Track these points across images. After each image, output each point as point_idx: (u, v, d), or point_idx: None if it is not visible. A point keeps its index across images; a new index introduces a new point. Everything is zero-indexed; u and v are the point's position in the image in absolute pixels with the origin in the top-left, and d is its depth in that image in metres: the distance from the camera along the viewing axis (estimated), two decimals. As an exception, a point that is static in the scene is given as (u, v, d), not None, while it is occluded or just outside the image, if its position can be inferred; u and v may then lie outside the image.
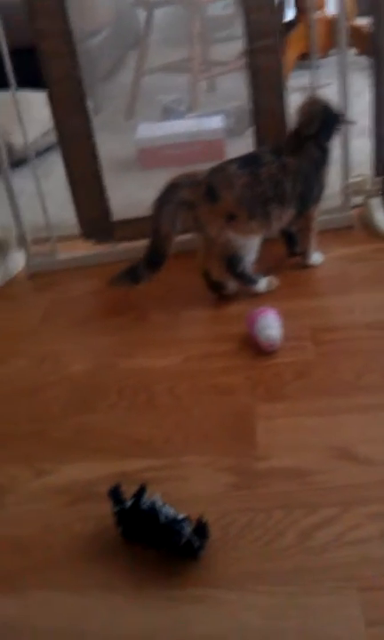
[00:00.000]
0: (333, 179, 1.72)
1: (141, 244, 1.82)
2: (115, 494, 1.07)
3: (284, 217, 1.59)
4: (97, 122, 3.04)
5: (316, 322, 1.49)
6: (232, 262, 1.56)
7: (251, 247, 1.57)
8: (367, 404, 1.24)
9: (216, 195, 1.50)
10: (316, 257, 1.69)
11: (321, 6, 2.98)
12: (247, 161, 1.55)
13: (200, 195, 1.52)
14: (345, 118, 1.63)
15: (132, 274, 1.60)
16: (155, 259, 1.57)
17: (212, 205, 1.51)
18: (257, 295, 1.59)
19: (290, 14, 3.16)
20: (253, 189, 1.52)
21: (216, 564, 1.00)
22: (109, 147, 2.51)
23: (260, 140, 1.78)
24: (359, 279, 1.62)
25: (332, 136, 1.61)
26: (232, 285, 1.62)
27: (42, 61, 1.70)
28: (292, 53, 2.95)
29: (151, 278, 1.59)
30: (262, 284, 1.61)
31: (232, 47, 3.02)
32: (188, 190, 1.53)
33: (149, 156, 2.47)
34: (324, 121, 1.59)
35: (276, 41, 1.69)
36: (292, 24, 3.02)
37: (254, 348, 1.43)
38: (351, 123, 1.67)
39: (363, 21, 2.49)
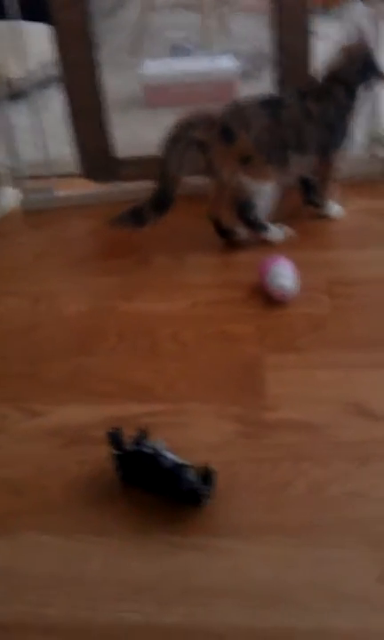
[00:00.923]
0: (360, 130, 1.68)
1: (145, 184, 1.77)
2: (115, 437, 1.04)
3: (302, 164, 1.55)
4: (99, 56, 2.98)
5: (332, 274, 1.46)
6: (244, 208, 1.52)
7: (265, 194, 1.52)
8: (377, 359, 1.22)
9: (232, 135, 1.45)
10: (336, 209, 1.65)
11: None
12: (268, 102, 1.50)
13: (214, 135, 1.46)
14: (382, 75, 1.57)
15: (137, 215, 1.55)
16: (161, 200, 1.53)
17: (226, 146, 1.46)
18: (270, 244, 1.56)
19: None
20: (272, 133, 1.47)
21: (220, 513, 0.99)
22: (112, 83, 2.44)
23: (280, 82, 1.72)
24: (379, 233, 1.58)
25: (364, 86, 1.55)
26: (243, 232, 1.58)
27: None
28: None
29: (156, 221, 1.55)
30: (275, 232, 1.57)
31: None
32: (202, 129, 1.48)
33: (156, 94, 2.40)
34: (363, 67, 1.53)
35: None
36: None
37: (265, 297, 1.39)
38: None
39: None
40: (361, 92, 1.56)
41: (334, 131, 1.55)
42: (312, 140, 1.52)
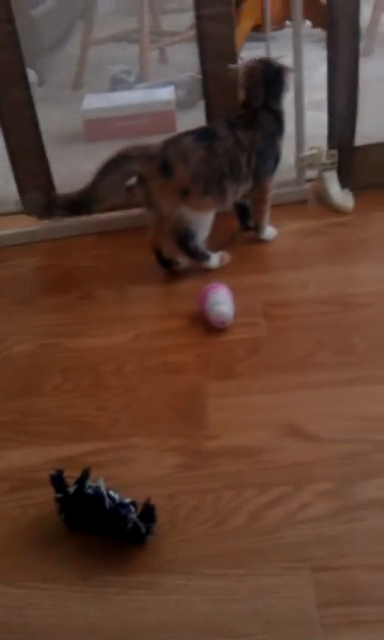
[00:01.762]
0: (288, 152, 1.70)
1: (86, 219, 1.77)
2: (57, 480, 1.03)
3: (239, 191, 1.57)
4: (42, 93, 2.99)
5: (268, 297, 1.47)
6: (184, 238, 1.52)
7: (204, 223, 1.53)
8: (318, 380, 1.22)
9: (171, 169, 1.45)
10: (270, 231, 1.67)
11: (275, -25, 2.93)
12: (203, 134, 1.51)
13: (153, 169, 1.46)
14: (286, 69, 1.58)
15: (48, 207, 1.58)
16: (77, 208, 1.54)
17: (165, 180, 1.46)
18: (209, 271, 1.56)
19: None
20: (209, 164, 1.48)
21: (164, 549, 0.98)
22: (55, 118, 2.44)
23: (211, 111, 1.74)
24: (313, 254, 1.60)
25: (282, 94, 1.57)
26: (184, 261, 1.59)
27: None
28: (245, 24, 2.90)
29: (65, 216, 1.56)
30: (214, 260, 1.58)
31: (183, 18, 2.96)
32: (140, 163, 1.48)
33: (96, 128, 2.41)
34: (266, 84, 1.55)
35: (228, 8, 1.64)
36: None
37: (205, 325, 1.40)
38: (292, 71, 1.61)
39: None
40: (282, 110, 1.58)
41: (265, 157, 1.57)
42: (246, 167, 1.54)
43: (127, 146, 1.50)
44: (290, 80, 1.60)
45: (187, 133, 1.51)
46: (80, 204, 1.52)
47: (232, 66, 1.59)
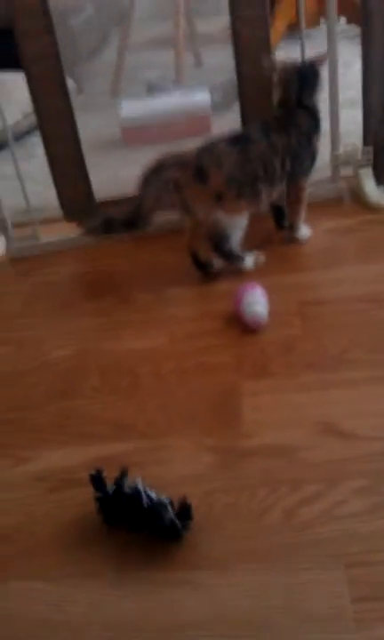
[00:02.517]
0: (323, 150, 1.70)
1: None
2: (96, 480, 1.07)
3: (273, 194, 1.58)
4: (81, 100, 3.06)
5: (303, 296, 1.48)
6: (220, 241, 1.55)
7: (238, 225, 1.55)
8: (353, 378, 1.23)
9: (205, 175, 1.48)
10: (304, 231, 1.67)
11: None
12: (235, 139, 1.53)
13: (188, 176, 1.49)
14: (319, 61, 1.59)
15: (107, 226, 1.59)
16: (133, 224, 1.56)
17: (201, 186, 1.49)
18: (244, 272, 1.58)
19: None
20: (243, 168, 1.49)
21: (200, 545, 1.00)
22: (94, 125, 2.50)
23: (246, 113, 1.76)
24: (348, 252, 1.60)
25: (317, 90, 1.58)
26: (219, 263, 1.61)
27: (18, 41, 1.67)
28: (280, 23, 2.91)
29: (124, 234, 1.60)
30: (249, 261, 1.60)
31: (218, 20, 2.99)
32: (176, 171, 1.51)
33: (134, 134, 2.45)
34: (301, 80, 1.56)
35: (262, 10, 1.65)
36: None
37: (241, 325, 1.41)
38: (323, 59, 1.60)
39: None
40: (318, 107, 1.59)
41: (301, 159, 1.57)
42: (281, 170, 1.55)
43: (162, 155, 1.53)
44: (323, 72, 1.60)
45: (220, 138, 1.53)
46: (134, 220, 1.55)
47: (267, 57, 1.60)
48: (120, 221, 1.57)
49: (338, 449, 1.10)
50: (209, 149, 1.51)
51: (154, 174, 1.52)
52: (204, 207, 1.51)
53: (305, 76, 1.56)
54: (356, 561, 0.93)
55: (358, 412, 1.16)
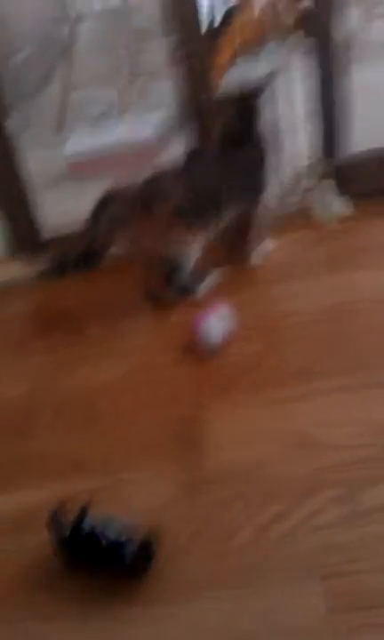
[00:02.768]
0: (284, 163, 1.70)
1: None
2: (54, 522, 1.03)
3: (225, 220, 1.57)
4: (27, 136, 3.05)
5: (264, 311, 1.47)
6: (171, 272, 1.54)
7: (189, 255, 1.55)
8: (320, 388, 1.23)
9: (151, 207, 1.48)
10: (262, 249, 1.65)
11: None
12: (180, 171, 1.54)
13: (135, 208, 1.49)
14: (260, 92, 1.58)
15: (61, 267, 1.58)
16: (86, 262, 1.55)
17: (147, 218, 1.49)
18: (202, 298, 1.56)
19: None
20: (189, 199, 1.50)
21: (167, 577, 0.97)
22: (41, 161, 2.49)
23: (191, 145, 1.76)
24: (310, 263, 1.60)
25: (258, 122, 1.58)
26: (172, 294, 1.59)
27: None
28: (226, 53, 2.96)
29: (79, 272, 1.57)
30: (202, 288, 1.58)
31: (161, 55, 3.04)
32: (122, 203, 1.51)
33: (81, 168, 2.45)
34: (241, 112, 1.56)
35: (202, 44, 1.67)
36: (228, 15, 3.02)
37: (199, 352, 1.39)
38: (272, 77, 1.61)
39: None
40: (263, 137, 1.59)
41: (250, 185, 1.58)
42: (228, 199, 1.55)
43: (108, 189, 1.53)
44: (264, 100, 1.60)
45: (165, 170, 1.54)
46: (87, 258, 1.54)
47: (205, 95, 1.61)
48: (73, 261, 1.56)
49: (308, 460, 1.09)
50: (154, 181, 1.52)
51: (101, 209, 1.52)
52: (152, 238, 1.50)
53: (245, 109, 1.57)
54: (333, 572, 0.92)
55: (326, 422, 1.15)
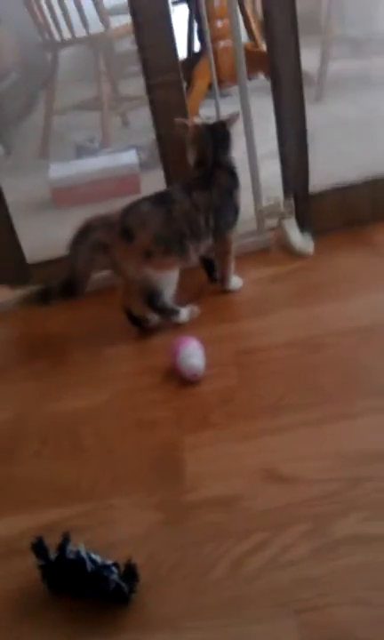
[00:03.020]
0: (247, 203, 1.78)
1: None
2: (37, 548, 1.05)
3: (201, 248, 1.64)
4: (10, 163, 3.11)
5: (237, 345, 1.52)
6: (151, 297, 1.59)
7: (169, 281, 1.60)
8: (289, 423, 1.27)
9: (131, 235, 1.53)
10: (235, 281, 1.73)
11: (225, 36, 3.10)
12: (159, 200, 1.58)
13: (115, 235, 1.54)
14: (231, 120, 1.66)
15: (44, 296, 1.61)
16: (70, 290, 1.59)
17: (127, 245, 1.53)
18: (179, 325, 1.62)
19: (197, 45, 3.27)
20: (168, 227, 1.55)
21: (148, 606, 1.00)
22: (24, 187, 2.54)
23: (169, 174, 1.83)
24: (278, 299, 1.67)
25: (230, 148, 1.66)
26: (154, 318, 1.65)
27: None
28: (201, 83, 3.05)
29: (62, 301, 1.61)
30: (183, 314, 1.64)
31: (141, 82, 3.12)
32: (102, 232, 1.55)
33: (64, 195, 2.50)
34: (215, 141, 1.63)
35: (176, 76, 1.74)
36: (200, 54, 3.13)
37: (178, 378, 1.44)
38: (235, 117, 1.68)
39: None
40: (235, 165, 1.66)
41: (224, 213, 1.64)
42: (205, 226, 1.61)
43: (88, 217, 1.57)
44: (237, 128, 1.68)
45: (144, 199, 1.59)
46: (71, 285, 1.58)
47: (178, 120, 1.67)
48: (57, 290, 1.59)
49: (280, 495, 1.12)
50: (133, 210, 1.56)
51: (82, 237, 1.55)
52: (132, 265, 1.55)
53: (218, 137, 1.64)
54: (306, 606, 0.94)
55: (297, 457, 1.19)
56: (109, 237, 1.54)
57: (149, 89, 1.75)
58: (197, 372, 1.43)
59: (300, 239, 1.84)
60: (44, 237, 2.11)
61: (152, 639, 0.95)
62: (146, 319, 1.65)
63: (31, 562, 1.05)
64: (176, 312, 1.63)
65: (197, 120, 1.70)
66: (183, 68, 1.79)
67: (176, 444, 1.28)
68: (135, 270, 1.55)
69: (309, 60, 2.58)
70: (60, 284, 1.59)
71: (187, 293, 1.68)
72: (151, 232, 1.53)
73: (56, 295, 1.60)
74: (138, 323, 1.66)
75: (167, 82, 1.75)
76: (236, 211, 1.67)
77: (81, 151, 2.88)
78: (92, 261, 1.57)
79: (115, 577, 1.00)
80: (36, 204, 2.54)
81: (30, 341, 1.74)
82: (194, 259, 1.64)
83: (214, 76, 1.90)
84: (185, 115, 1.76)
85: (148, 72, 1.74)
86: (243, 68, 1.76)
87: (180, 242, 1.57)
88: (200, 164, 1.65)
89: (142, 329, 1.65)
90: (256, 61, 2.76)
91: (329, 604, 0.94)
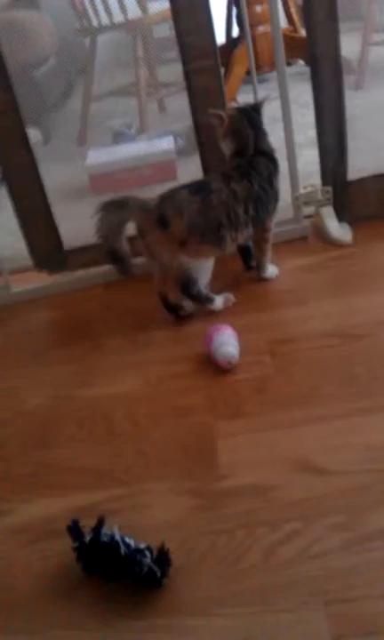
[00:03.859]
0: (284, 190, 1.76)
1: (94, 271, 1.86)
2: (73, 530, 1.07)
3: (239, 238, 1.61)
4: (48, 150, 3.12)
5: (273, 334, 1.51)
6: (186, 284, 1.58)
7: (205, 269, 1.60)
8: (324, 413, 1.25)
9: (166, 222, 1.52)
10: (272, 270, 1.72)
11: (264, 21, 3.06)
12: (197, 188, 1.56)
13: (151, 221, 1.53)
14: (263, 102, 1.64)
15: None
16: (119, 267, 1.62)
17: (162, 232, 1.52)
18: (214, 313, 1.61)
19: (236, 31, 3.23)
20: (205, 216, 1.53)
21: (180, 591, 1.00)
22: (62, 174, 2.56)
23: (206, 160, 1.82)
24: (315, 288, 1.64)
25: (266, 132, 1.63)
26: (189, 305, 1.64)
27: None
28: (239, 69, 3.02)
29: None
30: (218, 302, 1.63)
31: (179, 67, 3.09)
32: (139, 214, 1.55)
33: (101, 182, 2.51)
34: (253, 127, 1.61)
35: (215, 62, 1.72)
36: (238, 40, 3.09)
37: (213, 366, 1.44)
38: (269, 98, 1.66)
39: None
40: (273, 149, 1.64)
41: (264, 202, 1.61)
42: (244, 216, 1.58)
43: (127, 195, 1.58)
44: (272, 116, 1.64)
45: (182, 187, 1.57)
46: (118, 262, 1.62)
47: (213, 111, 1.63)
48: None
49: (313, 486, 1.11)
50: (170, 198, 1.55)
51: (114, 207, 1.56)
52: (167, 252, 1.55)
53: (255, 123, 1.61)
54: (335, 598, 0.94)
55: (331, 448, 1.18)
56: (145, 222, 1.54)
57: (187, 75, 1.74)
58: (232, 360, 1.42)
59: (337, 228, 1.82)
60: (82, 224, 2.11)
61: (183, 624, 0.96)
62: (181, 306, 1.65)
63: (66, 544, 1.06)
64: (211, 300, 1.62)
65: (232, 107, 1.67)
66: (221, 54, 1.77)
67: (210, 432, 1.28)
68: (170, 257, 1.55)
69: (350, 46, 2.54)
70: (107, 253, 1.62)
71: (222, 281, 1.67)
72: (186, 221, 1.52)
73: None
74: (173, 310, 1.66)
75: (205, 67, 1.74)
76: (276, 198, 1.65)
77: (118, 137, 2.88)
78: (118, 231, 1.58)
79: (147, 561, 1.01)
80: (74, 190, 2.55)
81: (67, 326, 1.75)
82: (231, 248, 1.62)
83: (253, 62, 1.87)
84: (222, 101, 1.75)
85: (185, 58, 1.72)
86: (281, 53, 1.73)
87: (216, 231, 1.55)
88: (238, 152, 1.62)
89: (177, 316, 1.65)
90: (295, 47, 2.72)
91: (359, 596, 0.94)
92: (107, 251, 1.61)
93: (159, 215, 1.52)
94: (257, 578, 0.99)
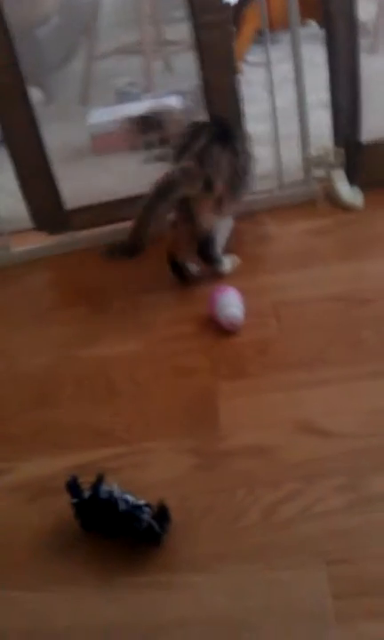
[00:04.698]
0: (295, 152, 1.73)
1: (97, 231, 1.85)
2: (72, 486, 1.08)
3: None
4: (51, 110, 3.07)
5: (278, 297, 1.50)
6: (207, 244, 1.57)
7: (226, 226, 1.60)
8: (329, 376, 1.25)
9: (211, 185, 1.49)
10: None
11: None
12: (222, 136, 1.53)
13: (198, 189, 1.49)
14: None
15: (110, 252, 1.61)
16: (132, 250, 1.54)
17: (208, 196, 1.51)
18: (220, 275, 1.60)
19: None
20: (233, 166, 1.52)
21: (180, 548, 1.01)
22: (64, 134, 2.52)
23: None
24: (323, 252, 1.63)
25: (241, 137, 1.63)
26: (194, 268, 1.63)
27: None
28: (248, 27, 2.96)
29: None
30: (227, 264, 1.62)
31: (186, 26, 3.03)
32: (187, 186, 1.49)
33: (103, 142, 2.47)
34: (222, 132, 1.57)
35: (225, 16, 1.68)
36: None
37: (217, 327, 1.44)
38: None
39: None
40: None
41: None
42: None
43: (167, 172, 1.50)
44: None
45: (212, 141, 1.51)
46: (135, 246, 1.53)
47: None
48: (119, 250, 1.58)
49: (314, 448, 1.12)
50: (207, 155, 1.50)
51: (165, 194, 1.49)
52: (207, 215, 1.53)
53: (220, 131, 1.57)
54: (337, 558, 0.95)
55: (333, 411, 1.18)
56: (193, 191, 1.49)
57: (195, 29, 1.70)
58: (236, 321, 1.42)
59: (348, 191, 1.79)
60: (83, 184, 2.10)
61: (182, 580, 0.97)
62: (187, 267, 1.63)
63: (65, 501, 1.07)
64: (222, 261, 1.61)
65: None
66: (231, 11, 1.73)
67: (212, 392, 1.28)
68: (208, 219, 1.53)
69: (366, 9, 2.48)
70: (123, 245, 1.55)
71: (229, 243, 1.65)
72: (224, 176, 1.50)
73: (119, 255, 1.58)
74: (179, 271, 1.64)
75: (215, 22, 1.69)
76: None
77: (122, 97, 2.83)
78: (165, 221, 1.54)
79: (146, 517, 1.02)
80: (75, 150, 2.52)
81: (68, 287, 1.74)
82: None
83: (266, 21, 1.83)
84: (232, 59, 1.71)
85: (194, 10, 1.68)
86: (295, 12, 1.70)
87: (241, 181, 1.55)
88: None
89: (183, 278, 1.64)
90: (309, 7, 2.66)
91: (360, 557, 0.94)
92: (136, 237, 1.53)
93: (206, 180, 1.49)
94: (257, 536, 1.00)
